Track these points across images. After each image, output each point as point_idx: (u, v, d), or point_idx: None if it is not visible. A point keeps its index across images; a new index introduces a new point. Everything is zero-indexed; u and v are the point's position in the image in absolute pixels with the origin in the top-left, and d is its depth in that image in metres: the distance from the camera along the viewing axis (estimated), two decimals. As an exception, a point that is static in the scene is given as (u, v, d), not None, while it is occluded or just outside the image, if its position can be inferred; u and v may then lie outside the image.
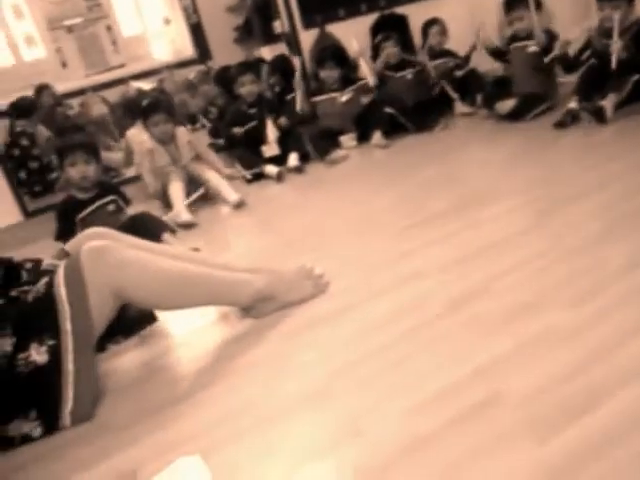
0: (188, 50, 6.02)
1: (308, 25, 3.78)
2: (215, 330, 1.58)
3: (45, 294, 1.28)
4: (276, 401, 1.19)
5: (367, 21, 3.85)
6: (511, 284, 1.42)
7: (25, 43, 5.85)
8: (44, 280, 1.33)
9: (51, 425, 1.24)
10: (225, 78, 4.33)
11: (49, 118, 4.58)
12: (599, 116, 2.52)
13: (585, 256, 1.47)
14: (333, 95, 3.35)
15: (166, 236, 2.21)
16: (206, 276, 1.45)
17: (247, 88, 3.22)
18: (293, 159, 3.10)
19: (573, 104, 2.64)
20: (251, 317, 1.54)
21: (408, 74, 3.48)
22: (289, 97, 3.74)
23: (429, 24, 3.63)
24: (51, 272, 1.36)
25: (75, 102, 4.96)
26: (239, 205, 2.70)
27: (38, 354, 1.20)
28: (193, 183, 2.96)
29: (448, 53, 3.61)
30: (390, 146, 3.14)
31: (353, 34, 3.71)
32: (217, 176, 2.93)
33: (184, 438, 1.15)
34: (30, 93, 4.75)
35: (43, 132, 4.27)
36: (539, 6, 2.99)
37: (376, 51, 3.58)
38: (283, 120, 3.26)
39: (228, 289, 1.48)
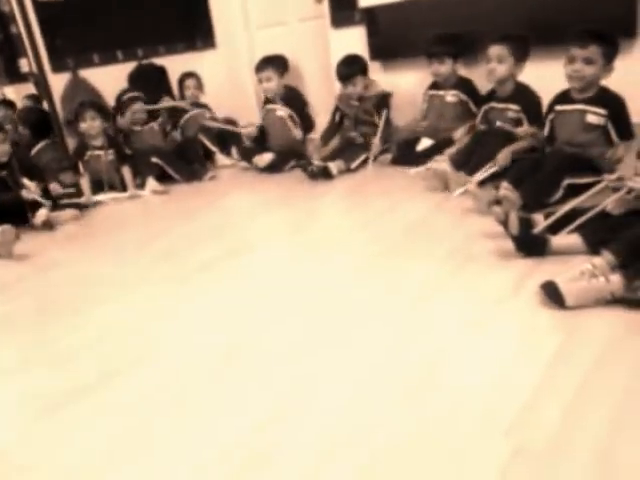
0: None
1: (58, 68, 3.53)
2: None
3: None
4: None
5: (126, 69, 3.76)
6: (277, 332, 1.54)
7: None
8: None
9: None
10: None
11: None
12: (326, 174, 2.85)
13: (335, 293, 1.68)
14: (98, 153, 3.19)
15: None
16: None
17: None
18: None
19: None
20: None
21: (155, 125, 3.51)
22: (34, 151, 3.42)
23: (185, 77, 3.77)
24: None
25: None
26: None
27: None
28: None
29: (205, 107, 3.77)
30: (168, 192, 3.14)
31: (110, 81, 3.60)
32: None
33: None
34: None
35: None
36: None
37: (120, 106, 3.50)
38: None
39: None
